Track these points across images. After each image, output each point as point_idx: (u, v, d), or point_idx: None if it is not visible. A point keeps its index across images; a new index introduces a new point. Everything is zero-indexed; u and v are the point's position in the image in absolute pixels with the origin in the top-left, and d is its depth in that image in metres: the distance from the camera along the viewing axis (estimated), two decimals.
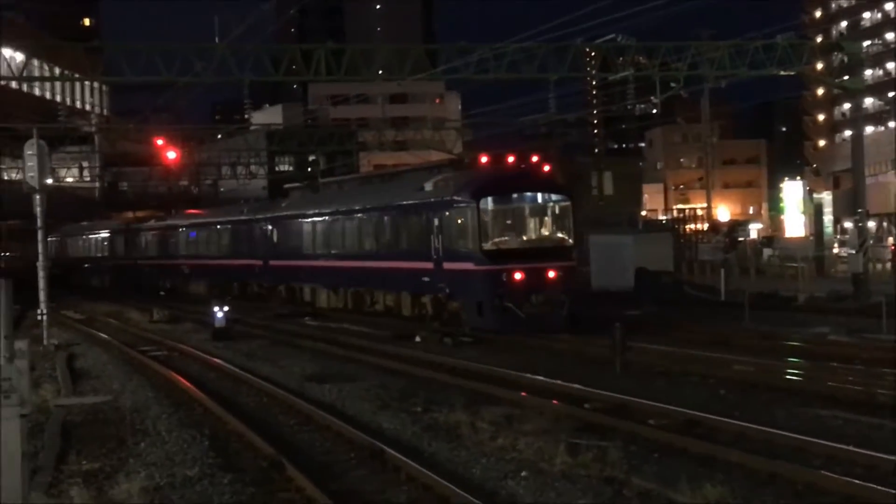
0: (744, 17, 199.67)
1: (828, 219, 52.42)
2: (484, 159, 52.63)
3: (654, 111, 49.14)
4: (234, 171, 69.46)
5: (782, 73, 38.49)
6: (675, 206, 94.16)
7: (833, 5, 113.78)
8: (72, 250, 74.91)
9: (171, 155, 58.19)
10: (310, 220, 41.04)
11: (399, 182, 44.15)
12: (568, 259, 28.80)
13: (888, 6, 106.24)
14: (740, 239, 65.85)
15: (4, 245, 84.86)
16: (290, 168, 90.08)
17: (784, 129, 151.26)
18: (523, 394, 18.25)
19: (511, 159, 38.65)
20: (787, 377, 19.69)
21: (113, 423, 17.32)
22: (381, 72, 41.05)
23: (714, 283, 38.98)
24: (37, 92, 77.17)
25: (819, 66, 42.50)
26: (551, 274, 27.72)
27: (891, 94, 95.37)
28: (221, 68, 35.39)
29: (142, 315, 39.97)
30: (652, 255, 41.98)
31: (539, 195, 29.64)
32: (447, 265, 29.46)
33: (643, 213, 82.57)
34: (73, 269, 70.31)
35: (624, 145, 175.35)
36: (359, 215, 36.72)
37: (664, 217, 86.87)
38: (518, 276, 27.49)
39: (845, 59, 40.58)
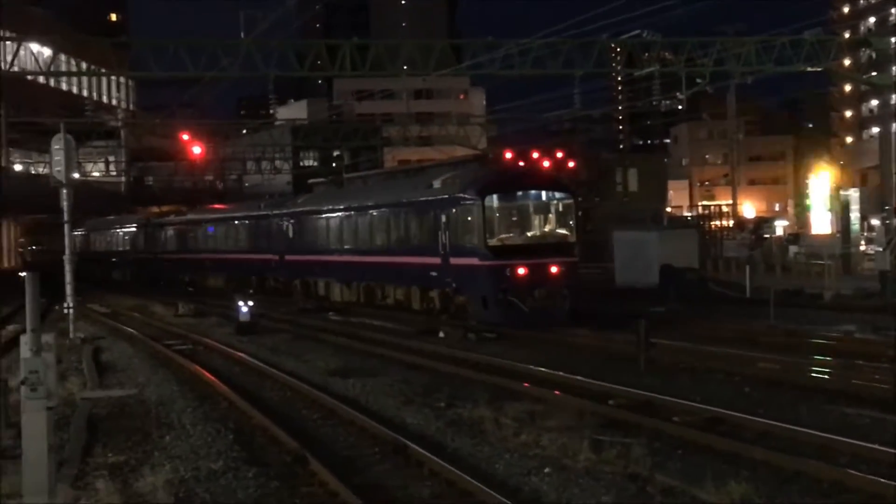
0: (771, 13, 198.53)
1: (854, 216, 52.04)
2: (508, 155, 52.75)
3: (680, 107, 49.06)
4: (258, 167, 69.77)
5: (809, 69, 38.30)
6: (700, 203, 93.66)
7: (861, 1, 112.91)
8: (94, 244, 75.46)
9: (197, 150, 58.54)
10: (324, 216, 41.80)
11: (409, 180, 44.80)
12: (570, 255, 29.47)
13: None
14: (766, 236, 65.51)
15: (32, 239, 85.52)
16: (315, 163, 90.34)
17: (811, 125, 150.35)
18: (556, 392, 18.15)
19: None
20: (813, 375, 19.57)
21: (138, 416, 17.41)
22: (405, 67, 41.12)
23: (739, 280, 38.77)
24: (64, 87, 77.73)
25: (847, 62, 42.26)
26: (554, 269, 28.46)
27: None
28: (247, 63, 35.60)
29: (166, 309, 40.17)
30: (677, 252, 41.77)
31: (543, 193, 30.45)
32: (454, 260, 30.16)
33: (668, 209, 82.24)
34: (96, 262, 70.82)
35: (649, 141, 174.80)
36: (371, 212, 37.47)
37: (689, 214, 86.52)
38: (521, 271, 28.25)
39: (873, 55, 40.40)
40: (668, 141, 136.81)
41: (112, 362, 25.07)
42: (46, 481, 9.92)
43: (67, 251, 30.12)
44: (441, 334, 28.03)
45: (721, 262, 50.04)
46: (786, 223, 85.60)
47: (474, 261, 29.06)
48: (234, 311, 31.83)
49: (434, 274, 31.28)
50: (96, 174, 70.40)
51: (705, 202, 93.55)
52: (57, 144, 29.02)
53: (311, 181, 77.11)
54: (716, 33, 41.79)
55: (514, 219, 30.06)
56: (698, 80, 41.11)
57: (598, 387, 18.33)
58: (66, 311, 30.09)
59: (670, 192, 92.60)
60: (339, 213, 40.37)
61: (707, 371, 20.33)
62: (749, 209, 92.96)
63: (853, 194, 52.14)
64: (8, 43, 47.72)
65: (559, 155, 53.62)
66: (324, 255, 40.80)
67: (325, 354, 24.84)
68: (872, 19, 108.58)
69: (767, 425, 14.60)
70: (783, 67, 36.91)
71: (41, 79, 59.60)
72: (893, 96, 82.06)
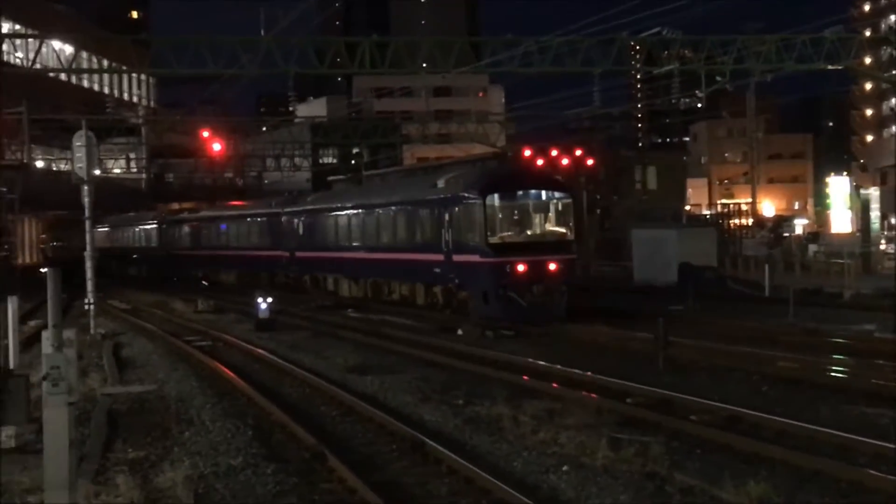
0: (791, 11, 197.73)
1: (874, 215, 51.82)
2: (527, 153, 52.71)
3: (699, 105, 48.96)
4: (278, 164, 69.86)
5: (830, 67, 38.08)
6: (719, 201, 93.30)
7: None
8: (112, 241, 76.01)
9: (217, 147, 58.64)
10: (334, 214, 42.83)
11: (416, 179, 45.88)
12: (568, 252, 30.36)
13: None
14: (785, 234, 65.31)
15: (53, 235, 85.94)
16: (334, 160, 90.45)
17: (831, 123, 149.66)
18: (582, 393, 18.09)
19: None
20: (832, 374, 19.51)
21: (158, 412, 17.52)
22: (424, 65, 41.13)
23: (758, 279, 38.68)
24: (85, 84, 78.03)
25: (867, 60, 42.03)
26: (552, 266, 29.23)
27: None
28: (267, 61, 35.63)
29: (186, 306, 40.35)
30: (695, 250, 41.69)
31: (542, 192, 31.34)
32: (456, 257, 31.04)
33: (687, 207, 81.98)
34: (113, 258, 71.38)
35: (668, 139, 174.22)
36: (378, 211, 38.43)
37: (708, 212, 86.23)
38: (521, 267, 29.02)
39: (894, 52, 40.10)
40: (687, 139, 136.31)
41: (132, 358, 25.21)
42: (67, 476, 9.98)
43: (89, 247, 30.26)
44: (459, 332, 28.11)
45: (740, 260, 49.91)
46: (805, 222, 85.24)
47: (476, 258, 29.94)
48: (252, 308, 31.97)
49: (437, 270, 32.19)
50: (117, 171, 70.53)
51: (724, 200, 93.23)
52: (78, 141, 29.19)
53: (330, 178, 77.27)
54: (736, 31, 41.55)
55: (515, 217, 31.05)
56: (718, 78, 40.96)
57: (617, 385, 18.33)
58: (86, 306, 30.25)
59: (689, 191, 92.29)
60: (348, 212, 41.46)
61: (726, 370, 20.30)
62: (768, 207, 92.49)
63: (873, 193, 51.93)
64: (30, 40, 47.97)
65: (578, 153, 53.57)
66: (333, 252, 41.88)
67: (344, 351, 24.91)
68: (893, 17, 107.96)
69: (785, 424, 14.57)
70: (803, 65, 36.72)
71: (63, 76, 59.85)
72: None
